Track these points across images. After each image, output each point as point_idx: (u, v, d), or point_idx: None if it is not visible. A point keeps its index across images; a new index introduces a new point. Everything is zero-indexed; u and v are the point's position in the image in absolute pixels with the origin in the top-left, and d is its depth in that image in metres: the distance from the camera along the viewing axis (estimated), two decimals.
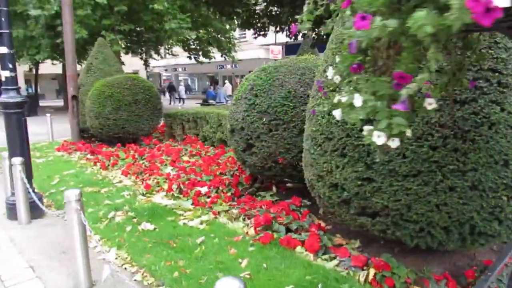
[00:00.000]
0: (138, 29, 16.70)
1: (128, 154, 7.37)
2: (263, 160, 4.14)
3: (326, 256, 3.29)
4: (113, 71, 9.50)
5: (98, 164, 6.98)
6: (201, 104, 18.13)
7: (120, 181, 5.97)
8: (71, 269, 3.31)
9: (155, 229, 4.15)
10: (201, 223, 4.16)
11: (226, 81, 31.89)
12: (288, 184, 5.20)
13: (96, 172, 6.66)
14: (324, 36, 9.35)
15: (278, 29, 10.80)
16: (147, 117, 8.46)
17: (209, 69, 36.22)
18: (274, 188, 4.96)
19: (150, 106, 8.50)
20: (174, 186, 5.14)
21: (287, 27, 10.41)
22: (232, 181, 5.00)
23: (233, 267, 3.24)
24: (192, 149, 7.40)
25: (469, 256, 3.21)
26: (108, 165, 6.86)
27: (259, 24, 10.70)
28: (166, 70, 42.66)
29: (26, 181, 4.51)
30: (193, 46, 21.86)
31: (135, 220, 4.39)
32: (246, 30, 29.41)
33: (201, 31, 18.30)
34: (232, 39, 20.24)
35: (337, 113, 1.54)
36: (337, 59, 1.48)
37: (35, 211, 4.71)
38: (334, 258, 3.26)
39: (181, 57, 27.00)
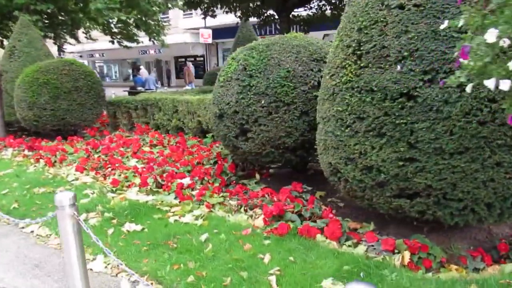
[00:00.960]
0: (52, 10, 14.97)
1: (76, 147, 6.55)
2: (261, 146, 3.85)
3: (349, 242, 3.13)
4: (41, 56, 8.38)
5: (41, 161, 6.10)
6: (129, 92, 16.95)
7: (77, 179, 5.27)
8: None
9: (143, 229, 3.68)
10: (196, 218, 3.77)
11: (154, 68, 30.48)
12: (271, 170, 4.97)
13: (42, 170, 5.82)
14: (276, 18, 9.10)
15: (227, 9, 10.33)
16: (90, 106, 7.61)
17: (130, 55, 34.23)
18: (257, 175, 4.70)
19: (93, 93, 7.65)
20: (150, 180, 4.63)
21: (237, 7, 9.98)
22: (216, 171, 4.63)
23: (256, 264, 2.94)
24: (151, 138, 6.79)
25: (486, 230, 3.27)
26: (55, 161, 6.03)
27: (205, 4, 10.10)
28: (81, 56, 39.52)
29: None
30: (115, 30, 20.31)
31: (114, 221, 3.87)
32: (169, 12, 28.19)
33: (127, 13, 17.01)
34: (161, 22, 19.16)
35: (490, 83, 1.32)
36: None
37: None
38: (358, 243, 3.12)
39: (99, 42, 25.05)
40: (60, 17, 17.53)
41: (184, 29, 28.64)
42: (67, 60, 7.56)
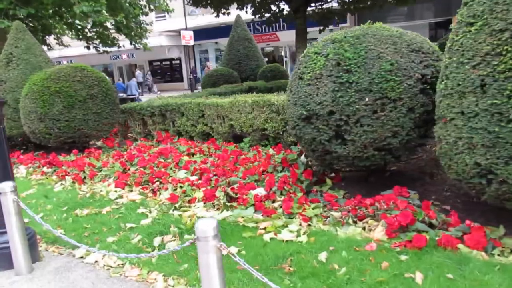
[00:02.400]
0: (32, 14, 13.97)
1: (104, 161, 5.91)
2: (362, 149, 3.46)
3: (496, 251, 2.80)
4: (41, 62, 7.62)
5: (67, 178, 5.45)
6: None
7: (121, 196, 4.70)
8: None
9: (239, 251, 3.22)
10: (298, 234, 3.33)
11: (140, 72, 29.29)
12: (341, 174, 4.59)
13: (73, 189, 5.19)
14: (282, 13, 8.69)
15: (240, 6, 9.84)
16: (106, 115, 6.95)
17: (101, 60, 32.93)
18: (328, 181, 4.32)
19: (109, 100, 6.99)
20: (220, 193, 4.13)
21: (250, 4, 9.49)
22: (291, 179, 4.19)
23: (408, 286, 2.55)
24: (188, 146, 6.23)
25: None
26: (85, 178, 5.39)
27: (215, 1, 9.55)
28: None
29: (29, 212, 3.18)
30: (90, 34, 19.32)
31: None
32: (144, 16, 27.25)
33: (111, 16, 16.15)
34: (143, 24, 18.37)
35: None
36: None
37: (32, 254, 3.41)
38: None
39: (68, 48, 23.80)
40: (30, 23, 16.47)
41: (159, 32, 27.78)
42: (78, 65, 6.87)
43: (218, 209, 4.02)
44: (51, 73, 6.55)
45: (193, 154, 5.86)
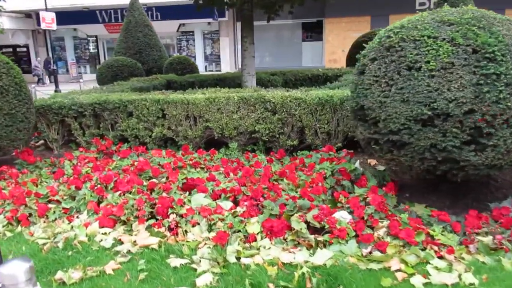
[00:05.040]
0: None
1: (49, 186, 3.97)
2: (503, 155, 2.83)
3: None
4: None
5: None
6: None
7: (118, 241, 3.16)
8: None
9: None
10: (459, 274, 2.53)
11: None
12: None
13: (16, 234, 3.32)
14: None
15: None
16: (22, 117, 4.81)
17: None
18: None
19: (24, 96, 4.87)
20: (298, 224, 2.99)
21: None
22: (373, 197, 3.31)
23: None
24: (168, 159, 4.65)
25: None
26: (30, 215, 3.52)
27: None
28: None
29: None
30: None
31: None
32: None
33: None
34: None
35: None
36: None
37: None
38: None
39: None
40: None
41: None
42: None
43: (295, 246, 2.91)
44: None
45: (180, 168, 4.39)
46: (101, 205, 3.61)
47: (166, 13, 22.09)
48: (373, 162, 4.57)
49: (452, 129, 2.82)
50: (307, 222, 3.06)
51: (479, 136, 2.83)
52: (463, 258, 2.71)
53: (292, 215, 3.17)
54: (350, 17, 21.03)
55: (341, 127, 4.89)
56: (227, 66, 22.59)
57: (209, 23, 22.34)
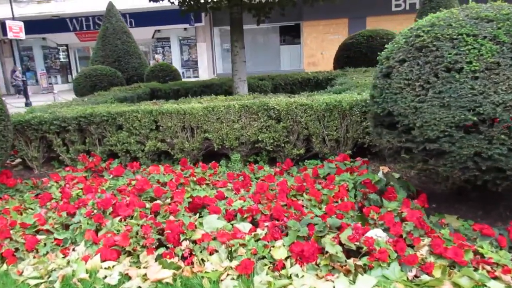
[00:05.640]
0: None
1: (37, 214, 3.49)
2: None
3: None
4: None
5: None
6: None
7: (125, 276, 2.75)
8: None
9: None
10: None
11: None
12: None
13: (2, 275, 2.86)
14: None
15: None
16: None
17: None
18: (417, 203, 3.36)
19: (1, 112, 4.36)
20: (332, 247, 2.65)
21: None
22: (406, 213, 3.01)
23: None
24: (169, 175, 4.21)
25: None
26: (17, 250, 3.06)
27: None
28: None
29: None
30: None
31: None
32: None
33: None
34: None
35: None
36: None
37: None
38: None
39: None
40: None
41: None
42: None
43: (330, 272, 2.57)
44: None
45: (182, 185, 3.98)
46: (100, 233, 3.18)
47: (141, 19, 21.49)
48: (385, 169, 4.30)
49: (500, 135, 2.55)
50: (340, 244, 2.73)
51: None
52: None
53: (323, 236, 2.84)
54: (328, 19, 21.02)
55: (351, 134, 4.60)
56: (205, 72, 22.15)
57: (185, 28, 21.88)
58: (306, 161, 4.76)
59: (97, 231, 3.21)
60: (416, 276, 2.55)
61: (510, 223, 3.01)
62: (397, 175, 3.89)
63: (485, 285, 2.38)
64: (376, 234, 2.85)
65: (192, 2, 7.34)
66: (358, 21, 20.82)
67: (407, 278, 2.52)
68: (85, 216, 3.28)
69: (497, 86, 2.53)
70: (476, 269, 2.52)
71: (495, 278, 2.46)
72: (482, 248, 2.67)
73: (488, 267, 2.52)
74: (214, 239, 2.95)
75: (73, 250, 3.05)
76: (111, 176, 4.35)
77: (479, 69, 2.57)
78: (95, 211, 3.34)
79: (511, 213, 3.30)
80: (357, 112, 4.53)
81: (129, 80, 10.47)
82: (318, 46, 21.95)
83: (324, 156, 4.72)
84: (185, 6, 7.82)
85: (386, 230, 2.89)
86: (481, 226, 2.87)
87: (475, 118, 2.58)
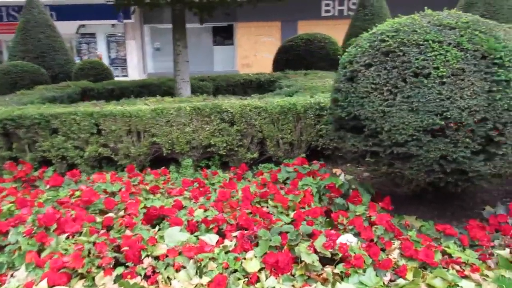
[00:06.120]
0: None
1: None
2: (510, 164, 2.75)
3: None
4: None
5: None
6: None
7: None
8: None
9: None
10: None
11: None
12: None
13: None
14: None
15: None
16: None
17: None
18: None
19: None
20: (309, 256, 2.56)
21: None
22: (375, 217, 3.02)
23: None
24: (118, 185, 3.81)
25: None
26: None
27: None
28: None
29: None
30: None
31: None
32: None
33: None
34: None
35: None
36: None
37: None
38: None
39: None
40: None
41: None
42: None
43: (306, 282, 2.50)
44: None
45: (133, 194, 3.65)
46: (43, 254, 2.78)
47: (63, 13, 19.96)
48: (338, 171, 4.34)
49: (465, 139, 2.65)
50: (315, 252, 2.65)
51: (488, 145, 2.70)
52: (487, 276, 2.54)
53: (296, 244, 2.74)
54: (261, 22, 21.19)
55: (305, 137, 4.59)
56: (134, 71, 21.19)
57: (113, 25, 20.74)
58: (260, 165, 4.65)
59: (39, 252, 2.81)
60: (391, 280, 2.54)
61: (465, 222, 3.16)
62: (349, 177, 3.94)
63: (457, 285, 2.43)
64: (348, 239, 2.81)
65: None
66: (290, 24, 21.28)
67: (384, 283, 2.50)
68: (23, 235, 2.85)
69: (462, 92, 2.61)
70: (446, 269, 2.58)
71: (465, 277, 2.53)
72: (449, 248, 2.75)
73: (458, 267, 2.59)
74: (180, 254, 2.72)
75: (12, 276, 2.63)
76: (48, 186, 3.87)
77: (446, 75, 2.64)
78: (35, 228, 2.92)
79: (463, 211, 3.47)
80: (311, 115, 4.52)
81: (55, 78, 9.60)
82: (252, 48, 22.06)
83: (278, 159, 4.65)
84: (120, 0, 7.31)
85: (356, 234, 2.87)
86: (443, 226, 2.96)
87: (442, 123, 2.64)
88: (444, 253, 2.73)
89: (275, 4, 7.23)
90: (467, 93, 2.61)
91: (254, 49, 22.09)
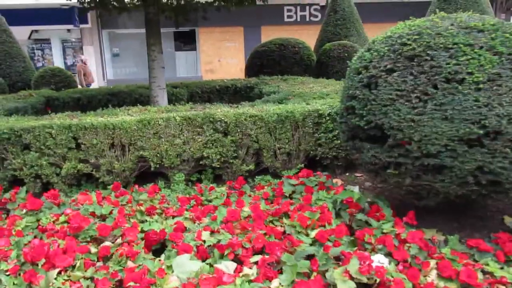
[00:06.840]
0: None
1: None
2: None
3: None
4: None
5: None
6: None
7: None
8: None
9: None
10: None
11: None
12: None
13: None
14: None
15: None
16: None
17: None
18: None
19: None
20: (346, 284, 2.28)
21: None
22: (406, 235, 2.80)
23: None
24: (108, 206, 3.35)
25: None
26: None
27: None
28: None
29: None
30: None
31: None
32: None
33: None
34: None
35: None
36: None
37: None
38: None
39: None
40: None
41: None
42: None
43: None
44: None
45: (127, 216, 3.23)
46: None
47: (14, 18, 18.65)
48: (338, 182, 4.13)
49: (504, 148, 2.48)
50: (351, 278, 2.38)
51: None
52: None
53: (326, 270, 2.46)
54: (223, 27, 20.87)
55: (303, 146, 4.33)
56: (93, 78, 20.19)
57: (68, 30, 19.71)
58: (256, 177, 4.35)
59: None
60: None
61: (487, 233, 3.02)
62: (353, 188, 3.73)
63: None
64: (379, 260, 2.56)
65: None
66: (254, 29, 21.16)
67: None
68: (8, 274, 2.37)
69: (501, 98, 2.45)
70: None
71: None
72: (488, 265, 2.57)
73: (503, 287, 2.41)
74: (197, 287, 2.36)
75: None
76: (25, 210, 3.36)
77: (482, 80, 2.47)
78: (22, 265, 2.45)
79: (480, 221, 3.33)
80: (310, 124, 4.29)
81: (12, 87, 8.83)
82: (215, 53, 21.72)
83: (275, 171, 4.37)
84: (86, 4, 6.79)
85: (387, 254, 2.64)
86: (476, 241, 2.78)
87: (481, 132, 2.46)
88: (483, 271, 2.55)
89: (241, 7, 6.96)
90: (506, 99, 2.45)
91: (218, 54, 21.76)
